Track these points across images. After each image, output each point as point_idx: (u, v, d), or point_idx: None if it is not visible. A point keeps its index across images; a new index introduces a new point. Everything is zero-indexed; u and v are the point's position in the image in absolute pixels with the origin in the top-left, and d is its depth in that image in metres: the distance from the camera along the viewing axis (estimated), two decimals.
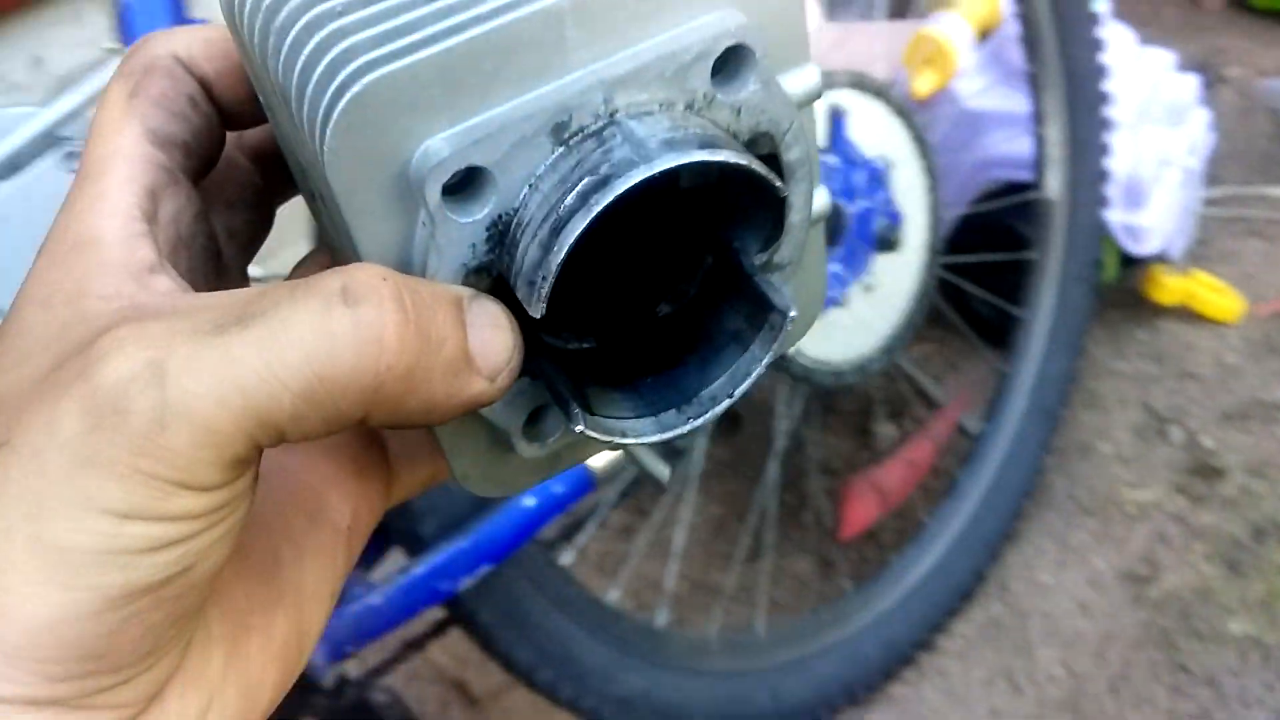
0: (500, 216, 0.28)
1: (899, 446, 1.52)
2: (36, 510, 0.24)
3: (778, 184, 0.29)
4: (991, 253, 1.48)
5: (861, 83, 1.18)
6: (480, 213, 0.27)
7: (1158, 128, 1.68)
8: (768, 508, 1.33)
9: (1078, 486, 1.59)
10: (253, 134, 0.35)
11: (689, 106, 0.29)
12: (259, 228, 0.36)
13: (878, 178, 1.16)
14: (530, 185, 0.27)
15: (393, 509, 0.36)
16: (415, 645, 1.15)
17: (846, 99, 1.16)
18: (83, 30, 1.27)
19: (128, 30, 0.79)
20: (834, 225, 1.16)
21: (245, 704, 0.29)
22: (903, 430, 1.68)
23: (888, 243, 1.16)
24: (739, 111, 0.29)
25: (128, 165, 0.29)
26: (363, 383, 0.25)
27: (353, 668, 1.10)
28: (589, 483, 1.04)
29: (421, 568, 0.99)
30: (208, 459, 0.24)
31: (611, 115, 0.28)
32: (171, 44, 0.31)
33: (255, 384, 0.24)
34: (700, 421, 0.31)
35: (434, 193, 0.26)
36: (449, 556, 0.99)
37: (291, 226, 0.36)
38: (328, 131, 0.26)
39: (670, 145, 0.27)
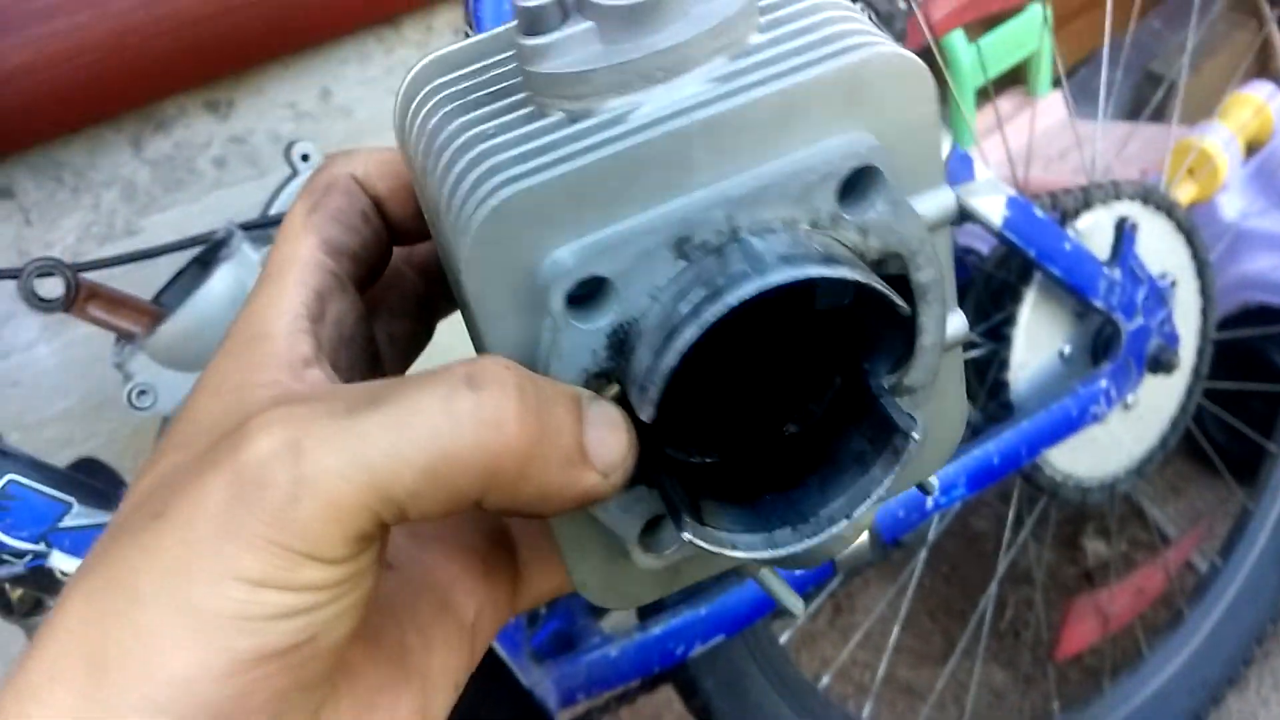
0: (621, 325, 0.28)
1: (1125, 570, 1.45)
2: (184, 577, 0.26)
3: (899, 301, 0.28)
4: (1244, 380, 1.41)
5: (1149, 195, 1.15)
6: (602, 321, 0.28)
7: None
8: (985, 614, 1.29)
9: None
10: (421, 249, 0.38)
11: (814, 225, 0.29)
12: (419, 336, 0.39)
13: (1160, 296, 1.13)
14: (652, 297, 0.28)
15: None
16: (624, 698, 1.16)
17: (1134, 212, 1.13)
18: (366, 70, 1.37)
19: (478, 21, 0.84)
20: (1107, 341, 1.13)
21: None
22: (1115, 549, 1.61)
23: (1161, 364, 1.12)
24: (866, 232, 0.29)
25: (301, 270, 0.32)
26: (482, 463, 0.26)
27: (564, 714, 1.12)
28: (831, 567, 1.04)
29: (659, 628, 1.00)
30: (333, 533, 0.26)
31: (734, 232, 0.28)
32: (351, 165, 0.34)
33: (381, 460, 0.26)
34: (813, 541, 0.30)
35: (558, 299, 0.27)
36: (687, 621, 1.01)
37: (456, 342, 0.38)
38: (468, 240, 0.28)
39: (787, 260, 0.27)
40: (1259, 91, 1.61)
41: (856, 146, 0.28)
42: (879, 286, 0.28)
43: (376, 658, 0.32)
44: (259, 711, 0.27)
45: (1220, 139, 1.52)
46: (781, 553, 0.30)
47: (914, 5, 1.00)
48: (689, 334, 0.26)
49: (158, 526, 0.27)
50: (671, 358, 0.27)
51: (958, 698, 1.39)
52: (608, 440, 0.28)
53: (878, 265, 0.29)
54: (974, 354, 1.17)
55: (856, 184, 0.29)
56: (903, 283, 0.30)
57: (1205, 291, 1.20)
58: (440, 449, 0.26)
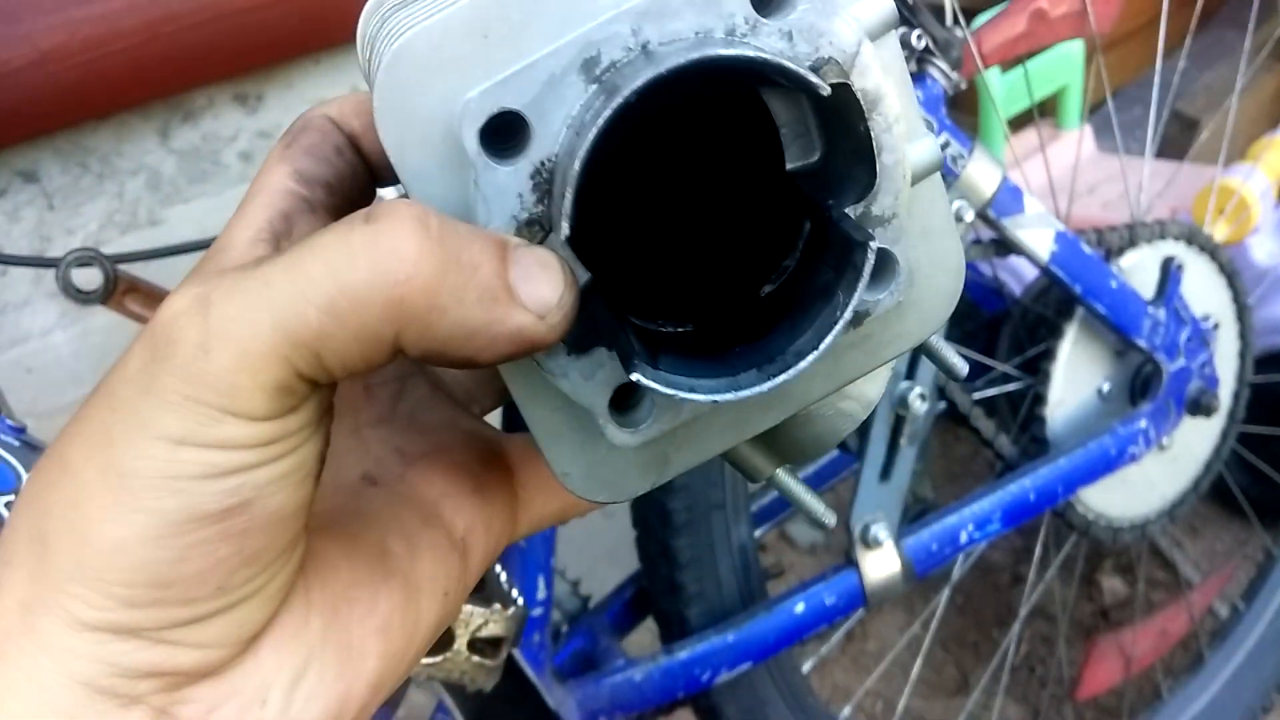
0: (543, 164, 0.27)
1: (1148, 611, 1.43)
2: (105, 439, 0.26)
3: (814, 79, 0.27)
4: (1273, 424, 1.39)
5: (1193, 236, 1.13)
6: (521, 160, 0.27)
7: None
8: (1008, 651, 1.27)
9: None
10: None
11: (730, 33, 0.27)
12: None
13: (1202, 338, 1.11)
14: (567, 127, 0.27)
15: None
16: None
17: (1178, 252, 1.12)
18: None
19: None
20: (1146, 381, 1.11)
21: (345, 668, 0.30)
22: (1132, 588, 1.59)
23: (1200, 406, 1.11)
24: (790, 35, 0.28)
25: (267, 195, 0.32)
26: (384, 294, 0.25)
27: None
28: (860, 599, 1.01)
29: (685, 653, 0.98)
30: (247, 383, 0.26)
31: (643, 47, 0.27)
32: (326, 108, 0.35)
33: (282, 301, 0.25)
34: (780, 379, 0.28)
35: (471, 139, 0.27)
36: (714, 648, 0.98)
37: None
38: (375, 90, 0.27)
39: (687, 52, 0.26)
40: None
41: None
42: (789, 65, 0.26)
43: (353, 556, 0.32)
44: (200, 580, 0.26)
45: (1255, 181, 1.51)
46: (746, 393, 0.28)
47: (968, 34, 0.98)
48: (590, 136, 0.25)
49: (88, 400, 0.28)
50: (577, 163, 0.25)
51: None
52: (537, 278, 0.27)
53: (813, 74, 0.28)
54: (1010, 388, 1.15)
55: None
56: (847, 92, 0.28)
57: (1244, 335, 1.19)
58: (338, 283, 0.25)
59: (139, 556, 0.26)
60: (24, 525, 0.27)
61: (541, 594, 0.96)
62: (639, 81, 0.25)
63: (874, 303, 0.30)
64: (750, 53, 0.26)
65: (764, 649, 0.99)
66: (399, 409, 0.39)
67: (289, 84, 1.29)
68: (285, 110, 1.29)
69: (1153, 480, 1.17)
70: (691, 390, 0.28)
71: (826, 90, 0.27)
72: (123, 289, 0.71)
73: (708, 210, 0.32)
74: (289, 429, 0.27)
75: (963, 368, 0.39)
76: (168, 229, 1.23)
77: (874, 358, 0.33)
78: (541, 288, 0.27)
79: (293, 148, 0.33)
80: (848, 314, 0.28)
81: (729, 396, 0.28)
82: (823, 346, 0.28)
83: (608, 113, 0.25)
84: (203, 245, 0.80)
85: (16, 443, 0.63)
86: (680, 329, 0.33)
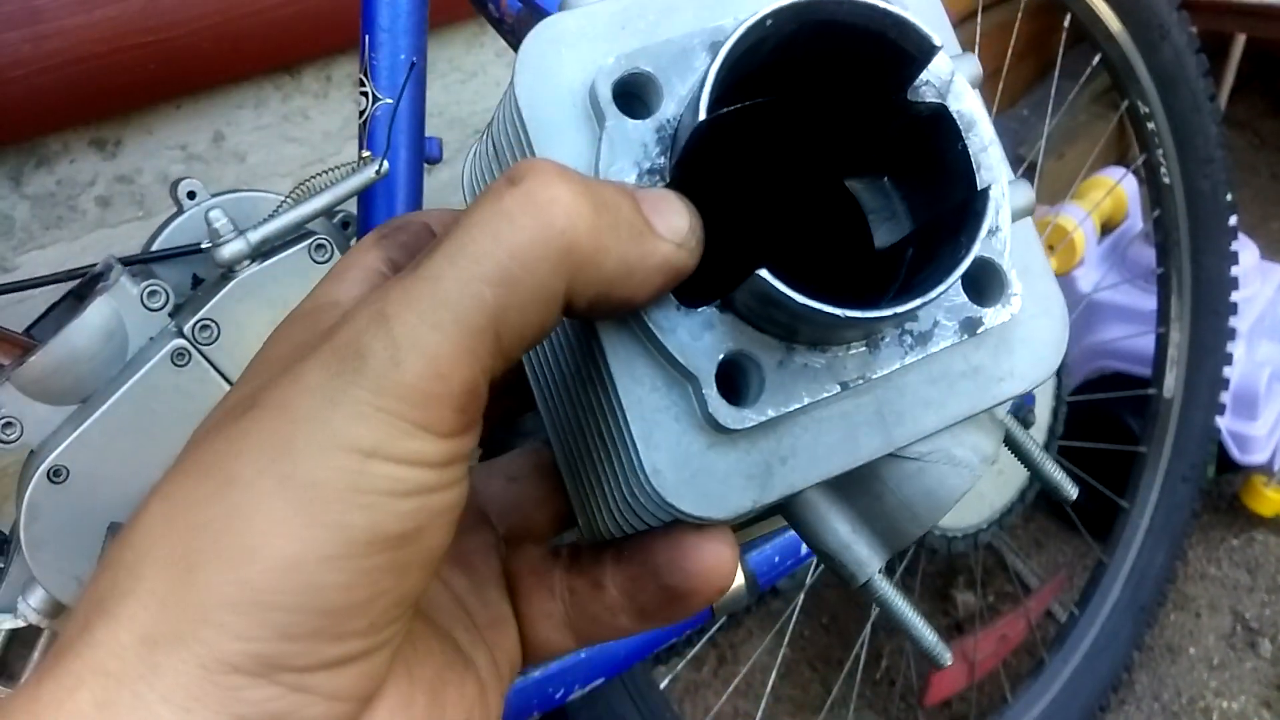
0: (668, 122, 0.30)
1: (989, 619, 1.51)
2: (285, 452, 0.24)
3: (923, 29, 0.29)
4: (1098, 441, 1.50)
5: None
6: (649, 119, 0.30)
7: (1273, 342, 1.71)
8: (859, 662, 1.33)
9: (1164, 687, 1.56)
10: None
11: None
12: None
13: None
14: (693, 92, 0.29)
15: None
16: None
17: None
18: (261, 116, 1.38)
19: (374, 141, 0.87)
20: None
21: None
22: (983, 601, 1.68)
23: (1018, 420, 1.19)
24: None
25: (362, 270, 0.32)
26: (553, 246, 0.26)
27: None
28: (707, 610, 1.06)
29: (538, 671, 1.01)
30: (440, 392, 0.25)
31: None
32: (424, 216, 0.36)
33: (456, 291, 0.25)
34: (912, 305, 0.27)
35: (605, 89, 0.29)
36: (565, 665, 1.01)
37: None
38: (519, 55, 0.30)
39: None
40: (1112, 175, 1.75)
41: None
42: (906, 15, 0.28)
43: (440, 638, 0.31)
44: (361, 611, 0.25)
45: (1080, 219, 1.64)
46: (876, 314, 0.27)
47: None
48: (711, 69, 0.27)
49: (254, 414, 0.25)
50: (704, 92, 0.27)
51: None
52: (665, 210, 0.28)
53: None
54: None
55: None
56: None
57: None
58: (507, 249, 0.25)
59: (312, 577, 0.24)
60: (158, 548, 0.24)
61: None
62: (748, 23, 0.27)
63: (985, 314, 0.31)
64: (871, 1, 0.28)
65: (615, 664, 1.03)
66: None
67: (149, 129, 1.30)
68: (145, 155, 1.30)
69: (982, 492, 1.25)
70: (817, 300, 0.27)
71: (938, 42, 0.29)
72: None
73: (819, 196, 0.33)
74: (463, 451, 0.26)
75: (1071, 491, 0.38)
76: (20, 275, 1.22)
77: (985, 393, 0.32)
78: (673, 218, 0.28)
79: (388, 239, 0.34)
80: (970, 258, 0.28)
81: (856, 314, 0.27)
82: (952, 276, 0.28)
83: (722, 52, 0.27)
84: (41, 282, 0.81)
85: None
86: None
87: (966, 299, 0.31)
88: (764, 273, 0.26)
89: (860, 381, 0.30)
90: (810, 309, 0.27)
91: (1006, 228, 0.31)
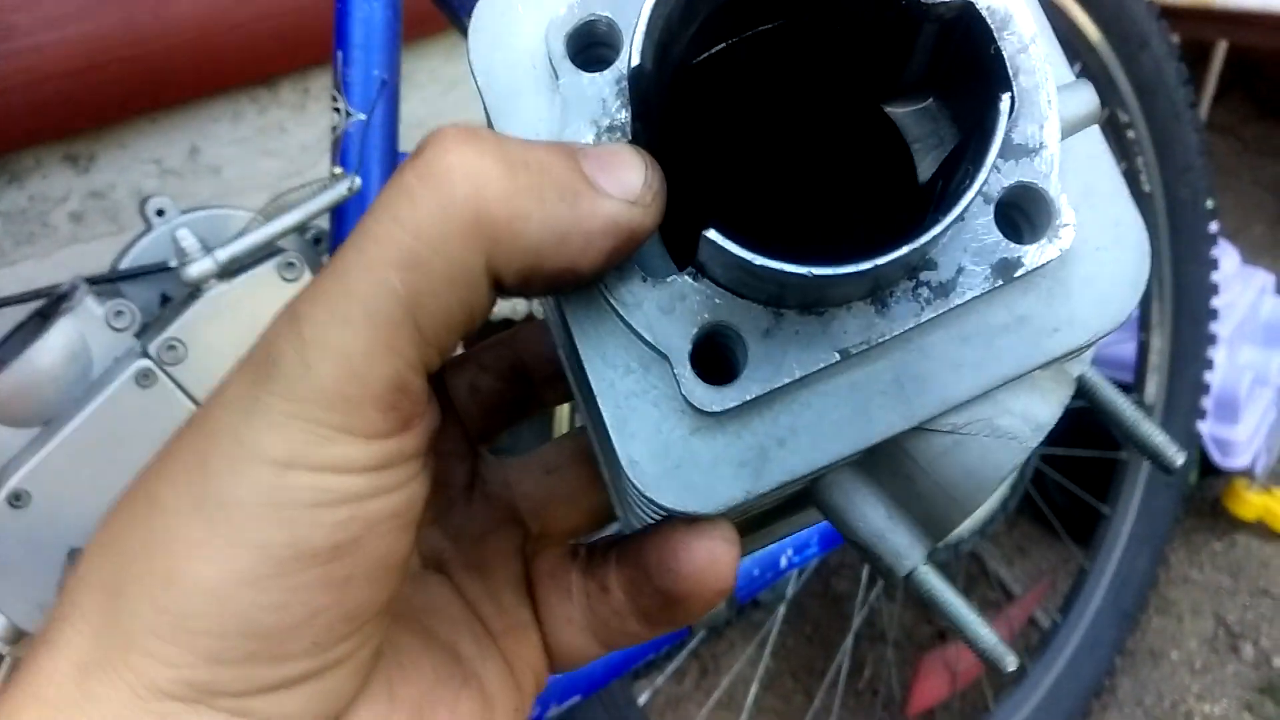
0: (628, 71, 0.26)
1: None
2: (200, 469, 0.23)
3: None
4: (1081, 448, 1.50)
5: None
6: (607, 70, 0.26)
7: (1254, 347, 1.71)
8: (841, 672, 1.33)
9: (1146, 691, 1.57)
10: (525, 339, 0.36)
11: None
12: (505, 397, 0.37)
13: None
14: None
15: None
16: None
17: None
18: (238, 129, 1.37)
19: (346, 157, 0.86)
20: None
21: None
22: None
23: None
24: None
25: None
26: (459, 217, 0.23)
27: None
28: (686, 628, 1.05)
29: None
30: (357, 393, 0.23)
31: None
32: None
33: (362, 283, 0.23)
34: (902, 251, 0.23)
35: (557, 44, 0.26)
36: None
37: None
38: (469, 36, 0.27)
39: None
40: None
41: None
42: None
43: (433, 652, 0.29)
44: (296, 633, 0.23)
45: None
46: (867, 265, 0.23)
47: None
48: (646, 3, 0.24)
49: (179, 432, 0.25)
50: (638, 27, 0.24)
51: None
52: (612, 165, 0.25)
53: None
54: None
55: None
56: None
57: None
58: (409, 229, 0.23)
59: (235, 601, 0.23)
60: (94, 576, 0.24)
61: None
62: None
63: (1025, 252, 0.25)
64: None
65: (592, 681, 1.02)
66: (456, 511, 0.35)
67: (122, 144, 1.29)
68: (119, 170, 1.29)
69: None
70: (775, 261, 0.23)
71: None
72: None
73: (814, 146, 0.29)
74: (402, 452, 0.25)
75: (1178, 457, 0.31)
76: None
77: (1035, 349, 0.27)
78: (621, 172, 0.25)
79: None
80: (974, 189, 0.23)
81: (826, 271, 0.23)
82: (953, 213, 0.23)
83: None
84: (4, 303, 0.81)
85: None
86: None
87: (1001, 236, 0.26)
88: (711, 232, 0.23)
89: (864, 347, 0.26)
90: (769, 269, 0.23)
91: (1053, 144, 0.26)
